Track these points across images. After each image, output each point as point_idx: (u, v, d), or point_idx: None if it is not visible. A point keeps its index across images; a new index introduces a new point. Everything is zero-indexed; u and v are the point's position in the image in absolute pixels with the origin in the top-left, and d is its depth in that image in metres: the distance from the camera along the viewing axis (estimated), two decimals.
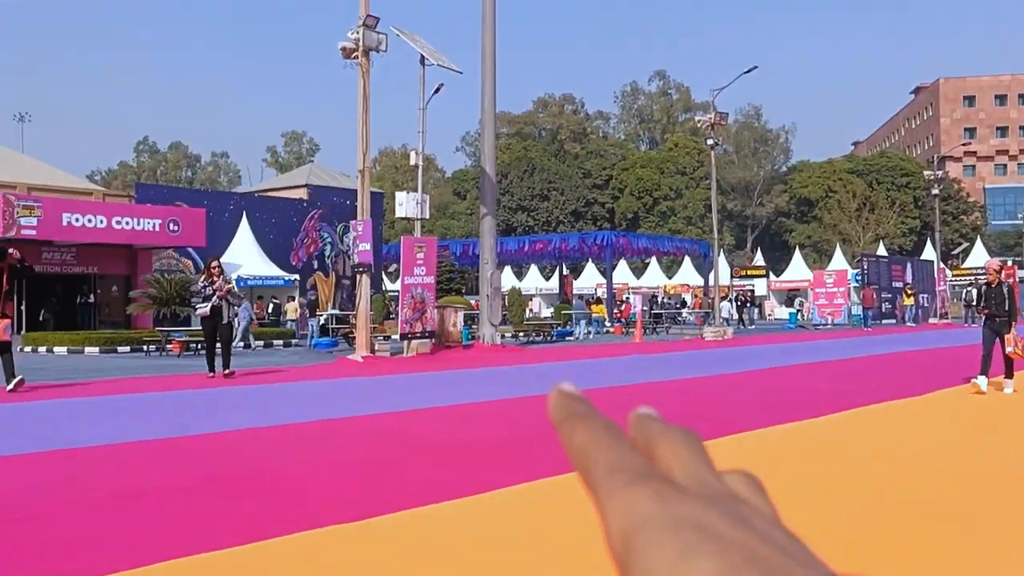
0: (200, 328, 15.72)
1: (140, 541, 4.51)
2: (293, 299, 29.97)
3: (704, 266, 41.48)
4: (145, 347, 23.71)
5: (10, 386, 11.80)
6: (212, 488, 5.80)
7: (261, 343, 26.30)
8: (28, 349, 24.34)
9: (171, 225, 29.16)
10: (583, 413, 0.35)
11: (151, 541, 4.50)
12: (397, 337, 20.71)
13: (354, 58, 18.90)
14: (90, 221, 27.41)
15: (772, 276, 58.19)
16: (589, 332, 30.81)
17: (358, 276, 20.20)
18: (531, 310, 48.82)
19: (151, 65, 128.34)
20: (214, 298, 14.19)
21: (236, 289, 16.05)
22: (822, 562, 0.29)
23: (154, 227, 28.77)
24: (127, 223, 28.24)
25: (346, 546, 4.48)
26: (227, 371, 14.34)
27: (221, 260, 32.33)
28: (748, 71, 29.88)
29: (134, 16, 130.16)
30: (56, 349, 23.79)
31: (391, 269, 52.80)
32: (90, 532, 4.69)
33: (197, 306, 14.67)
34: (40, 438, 7.96)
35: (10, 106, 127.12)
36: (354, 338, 25.90)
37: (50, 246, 28.64)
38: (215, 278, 14.32)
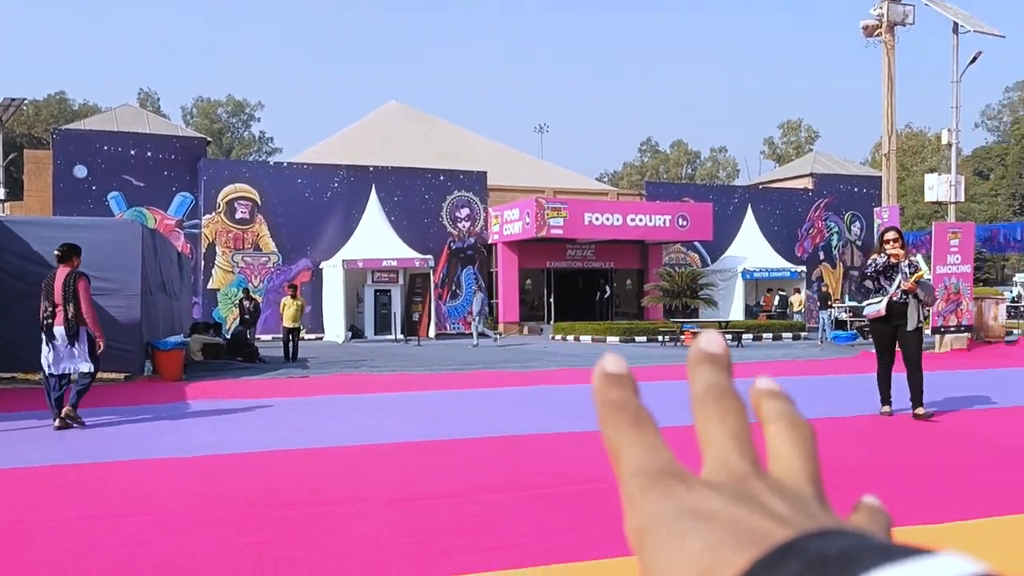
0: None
1: None
2: (799, 291, 29.14)
3: None
4: (660, 337, 24.74)
5: None
6: None
7: (770, 335, 26.27)
8: (558, 337, 26.81)
9: (680, 220, 30.05)
10: (616, 402, 0.35)
11: None
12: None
13: (877, 35, 17.67)
14: (607, 220, 29.27)
15: None
16: None
17: None
18: None
19: (652, 68, 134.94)
20: (894, 288, 8.55)
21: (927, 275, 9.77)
22: (829, 517, 0.31)
23: (664, 223, 29.86)
24: (640, 220, 29.67)
25: None
26: (920, 411, 8.65)
27: (729, 253, 32.31)
28: None
29: (629, 24, 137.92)
30: (582, 338, 25.82)
31: None
32: None
33: (866, 303, 8.93)
34: None
35: (530, 118, 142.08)
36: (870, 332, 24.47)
37: (573, 244, 31.21)
38: (898, 256, 8.57)
